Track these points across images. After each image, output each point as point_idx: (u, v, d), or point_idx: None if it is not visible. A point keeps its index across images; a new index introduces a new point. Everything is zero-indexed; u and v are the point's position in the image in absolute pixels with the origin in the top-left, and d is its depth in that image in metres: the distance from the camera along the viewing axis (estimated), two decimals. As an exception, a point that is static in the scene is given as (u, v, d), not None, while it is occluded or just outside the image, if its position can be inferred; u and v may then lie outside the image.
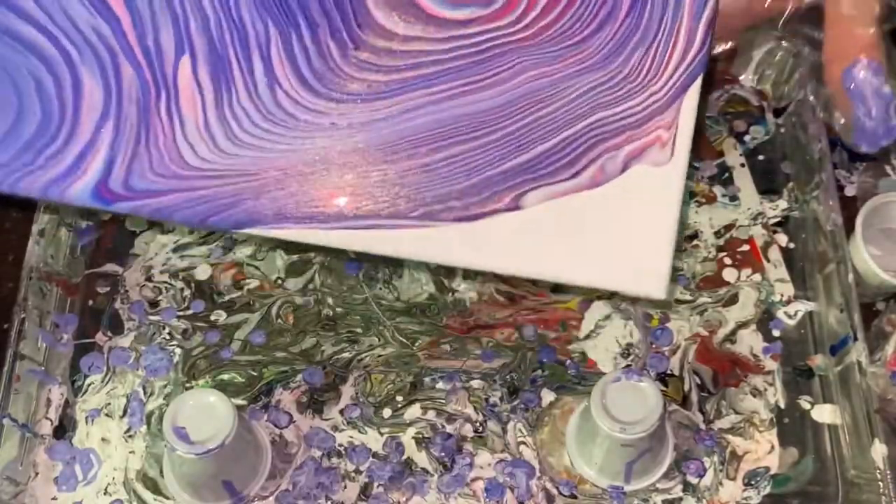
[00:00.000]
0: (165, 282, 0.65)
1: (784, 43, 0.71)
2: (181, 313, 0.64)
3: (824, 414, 0.60)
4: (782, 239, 0.67)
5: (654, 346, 0.63)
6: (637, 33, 0.49)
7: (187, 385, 0.62)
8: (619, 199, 0.47)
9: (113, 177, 0.49)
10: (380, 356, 0.63)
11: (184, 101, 0.49)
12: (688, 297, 0.65)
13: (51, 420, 0.61)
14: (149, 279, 0.65)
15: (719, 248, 0.67)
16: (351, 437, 0.60)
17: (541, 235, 0.47)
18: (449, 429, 0.60)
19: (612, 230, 0.47)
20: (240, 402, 0.61)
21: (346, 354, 0.63)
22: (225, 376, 0.62)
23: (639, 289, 0.48)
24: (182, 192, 0.50)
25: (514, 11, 0.48)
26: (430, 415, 0.61)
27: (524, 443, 0.60)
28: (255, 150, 0.49)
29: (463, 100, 0.49)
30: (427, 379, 0.62)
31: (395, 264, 0.63)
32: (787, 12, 0.58)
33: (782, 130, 0.71)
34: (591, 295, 0.56)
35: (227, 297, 0.65)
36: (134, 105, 0.48)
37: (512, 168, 0.49)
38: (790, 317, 0.64)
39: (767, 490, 0.58)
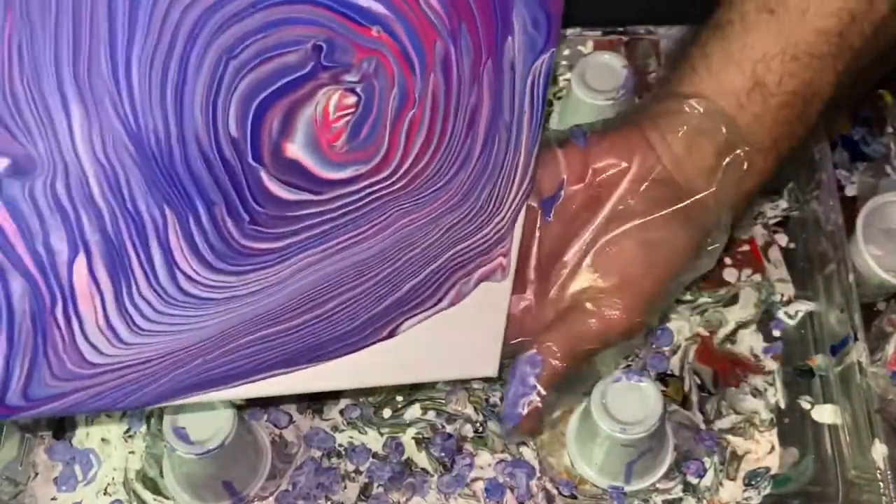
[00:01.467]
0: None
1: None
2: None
3: (825, 414, 0.60)
4: (783, 239, 0.67)
5: (654, 346, 0.63)
6: (487, 170, 0.52)
7: (187, 385, 0.62)
8: (466, 310, 0.54)
9: (10, 393, 0.48)
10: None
11: (81, 302, 0.48)
12: (688, 297, 0.65)
13: (50, 420, 0.61)
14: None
15: (719, 248, 0.67)
16: (351, 437, 0.60)
17: (409, 351, 0.54)
18: (449, 429, 0.60)
19: (460, 334, 0.55)
20: (240, 402, 0.61)
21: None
22: (225, 376, 0.62)
23: (476, 372, 0.56)
24: (86, 389, 0.50)
25: (391, 164, 0.50)
26: (430, 415, 0.61)
27: (524, 443, 0.60)
28: (158, 335, 0.50)
29: (347, 252, 0.51)
30: (427, 379, 0.62)
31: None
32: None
33: (783, 130, 0.71)
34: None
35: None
36: (28, 317, 0.47)
37: (387, 306, 0.53)
38: (790, 317, 0.64)
39: (768, 490, 0.58)
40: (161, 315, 0.49)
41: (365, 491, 0.59)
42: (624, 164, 0.54)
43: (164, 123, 0.45)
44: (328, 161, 0.48)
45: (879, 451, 0.56)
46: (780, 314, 0.64)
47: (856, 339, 0.59)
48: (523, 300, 0.56)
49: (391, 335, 0.54)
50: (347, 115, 0.48)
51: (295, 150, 0.47)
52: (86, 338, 0.49)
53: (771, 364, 0.62)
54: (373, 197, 0.50)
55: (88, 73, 0.43)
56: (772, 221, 0.68)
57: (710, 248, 0.55)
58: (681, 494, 0.58)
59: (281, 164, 0.48)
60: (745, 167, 0.53)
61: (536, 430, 0.58)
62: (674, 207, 0.53)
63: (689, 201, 0.54)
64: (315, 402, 0.61)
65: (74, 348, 0.48)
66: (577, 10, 0.72)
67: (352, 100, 0.48)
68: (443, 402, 0.61)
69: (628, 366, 0.62)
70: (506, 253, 0.54)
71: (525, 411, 0.54)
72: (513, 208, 0.54)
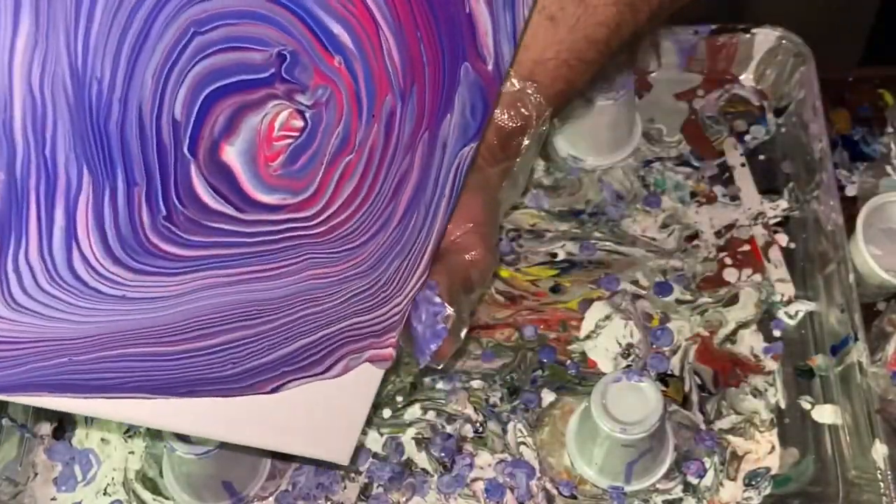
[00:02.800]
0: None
1: (785, 43, 0.71)
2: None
3: (825, 414, 0.60)
4: (783, 239, 0.67)
5: (654, 346, 0.63)
6: (399, 243, 0.52)
7: (187, 385, 0.62)
8: (344, 386, 0.54)
9: None
10: (380, 356, 0.63)
11: None
12: (688, 297, 0.65)
13: (50, 420, 0.61)
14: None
15: (720, 248, 0.67)
16: (351, 437, 0.60)
17: (279, 414, 0.52)
18: (449, 429, 0.60)
19: (331, 410, 0.54)
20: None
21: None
22: (225, 376, 0.62)
23: (330, 456, 0.55)
24: None
25: (316, 204, 0.49)
26: (430, 415, 0.61)
27: (524, 443, 0.60)
28: (31, 315, 0.45)
29: (250, 286, 0.50)
30: (427, 379, 0.62)
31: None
32: None
33: (783, 130, 0.71)
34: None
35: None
36: None
37: (274, 359, 0.52)
38: (791, 317, 0.64)
39: (768, 490, 0.58)
40: (41, 293, 0.45)
41: (365, 491, 0.59)
42: None
43: (112, 76, 0.42)
44: (260, 180, 0.47)
45: (880, 451, 0.56)
46: (781, 314, 0.64)
47: (856, 339, 0.59)
48: None
49: (273, 391, 0.52)
50: (291, 137, 0.47)
51: (232, 154, 0.46)
52: None
53: (771, 364, 0.62)
54: (290, 234, 0.49)
55: None
56: (772, 221, 0.68)
57: (509, 187, 0.58)
58: (681, 494, 0.58)
59: (214, 165, 0.46)
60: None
61: (456, 346, 0.57)
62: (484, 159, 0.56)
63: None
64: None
65: None
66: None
67: (299, 123, 0.47)
68: (443, 402, 0.61)
69: (628, 366, 0.62)
70: (394, 344, 0.54)
71: (447, 326, 0.54)
72: (410, 295, 0.54)
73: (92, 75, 0.42)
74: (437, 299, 0.54)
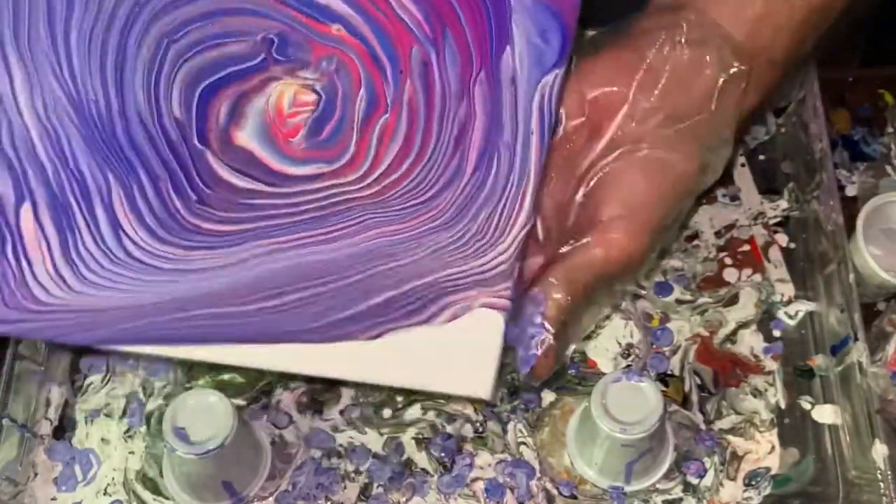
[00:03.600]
0: (165, 282, 0.65)
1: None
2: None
3: (825, 414, 0.60)
4: (783, 239, 0.67)
5: (654, 346, 0.63)
6: (484, 191, 0.50)
7: (187, 385, 0.62)
8: (461, 329, 0.51)
9: None
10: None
11: (29, 246, 0.50)
12: (688, 297, 0.65)
13: (50, 420, 0.61)
14: (148, 279, 0.65)
15: (720, 248, 0.67)
16: (351, 437, 0.60)
17: (392, 355, 0.51)
18: (449, 429, 0.60)
19: (452, 351, 0.51)
20: (240, 402, 0.61)
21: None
22: (225, 376, 0.62)
23: (468, 391, 0.52)
24: (33, 322, 0.51)
25: (360, 168, 0.49)
26: (430, 415, 0.61)
27: (524, 443, 0.60)
28: (105, 289, 0.51)
29: (305, 250, 0.50)
30: (427, 379, 0.62)
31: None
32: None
33: (783, 130, 0.71)
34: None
35: (226, 298, 0.65)
36: None
37: (362, 311, 0.50)
38: (791, 317, 0.64)
39: (768, 490, 0.58)
40: (107, 271, 0.50)
41: (365, 491, 0.59)
42: (622, 90, 0.52)
43: (105, 95, 0.46)
44: (284, 155, 0.48)
45: (880, 451, 0.56)
46: (781, 314, 0.64)
47: (856, 339, 0.59)
48: (536, 259, 0.54)
49: (374, 338, 0.51)
50: (305, 111, 0.48)
51: (245, 138, 0.48)
52: (35, 279, 0.50)
53: (771, 364, 0.62)
54: (339, 199, 0.49)
55: (29, 41, 0.45)
56: (772, 221, 0.68)
57: (712, 165, 0.54)
58: (681, 495, 0.58)
59: (231, 151, 0.48)
60: (743, 86, 0.52)
61: (552, 369, 0.55)
62: (674, 129, 0.51)
63: (688, 122, 0.51)
64: (315, 402, 0.61)
65: (24, 286, 0.50)
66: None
67: (310, 97, 0.47)
68: (443, 402, 0.61)
69: (628, 366, 0.62)
70: (509, 294, 0.51)
71: (538, 351, 0.51)
72: (519, 238, 0.50)
73: (87, 97, 0.47)
74: (538, 319, 0.51)
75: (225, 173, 0.49)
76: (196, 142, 0.48)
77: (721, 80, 0.51)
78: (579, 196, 0.52)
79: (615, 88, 0.52)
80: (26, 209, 0.49)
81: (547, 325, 0.51)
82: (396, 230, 0.50)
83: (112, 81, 0.46)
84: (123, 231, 0.50)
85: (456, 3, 0.47)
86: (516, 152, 0.49)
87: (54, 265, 0.50)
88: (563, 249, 0.52)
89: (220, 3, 0.45)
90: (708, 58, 0.51)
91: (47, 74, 0.46)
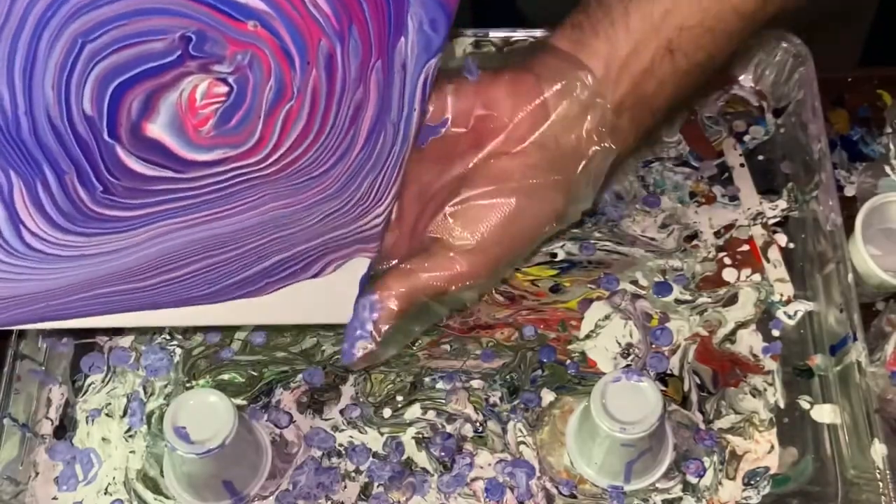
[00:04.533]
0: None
1: (784, 43, 0.71)
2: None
3: (824, 414, 0.60)
4: (782, 239, 0.67)
5: (653, 346, 0.63)
6: (369, 162, 0.53)
7: (188, 385, 0.62)
8: (334, 276, 0.57)
9: None
10: (380, 356, 0.63)
11: None
12: (687, 296, 0.65)
13: (51, 420, 0.61)
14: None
15: (719, 248, 0.67)
16: (351, 437, 0.60)
17: (281, 300, 0.57)
18: (449, 429, 0.60)
19: (325, 291, 0.58)
20: (240, 402, 0.61)
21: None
22: (225, 376, 0.62)
23: (333, 319, 0.59)
24: None
25: (262, 150, 0.50)
26: (430, 415, 0.61)
27: (524, 443, 0.60)
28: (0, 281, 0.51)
29: (207, 226, 0.52)
30: (427, 379, 0.62)
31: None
32: None
33: (782, 130, 0.71)
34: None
35: (227, 298, 0.65)
36: None
37: (251, 274, 0.55)
38: (790, 317, 0.64)
39: (767, 490, 0.58)
40: (4, 264, 0.50)
41: (365, 491, 0.59)
42: (507, 117, 0.55)
43: (11, 96, 0.45)
44: (193, 144, 0.49)
45: (879, 450, 0.56)
46: (780, 314, 0.64)
47: (855, 338, 0.59)
48: (392, 232, 0.58)
49: (258, 295, 0.56)
50: (217, 102, 0.48)
51: (157, 130, 0.47)
52: None
53: (770, 364, 0.63)
54: (240, 179, 0.51)
55: None
56: (771, 221, 0.68)
57: (568, 216, 0.58)
58: (680, 494, 0.58)
59: (140, 143, 0.48)
60: (608, 162, 0.56)
61: (366, 366, 0.60)
62: (541, 180, 0.55)
63: (555, 178, 0.55)
64: (315, 401, 0.61)
65: None
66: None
67: (222, 89, 0.48)
68: (443, 401, 0.61)
69: (628, 366, 0.62)
70: (380, 242, 0.56)
71: (360, 354, 0.57)
72: (390, 202, 0.55)
73: None
74: (369, 326, 0.56)
75: (132, 163, 0.48)
76: (106, 136, 0.47)
77: (593, 149, 0.55)
78: (440, 194, 0.56)
79: (503, 114, 0.55)
80: None
81: (374, 333, 0.56)
82: (290, 203, 0.53)
83: (19, 82, 0.45)
84: (23, 225, 0.49)
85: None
86: (399, 128, 0.53)
87: None
88: (406, 265, 0.56)
89: (139, 3, 0.44)
90: (588, 123, 0.55)
91: None
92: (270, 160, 0.50)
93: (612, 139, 0.55)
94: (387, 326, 0.57)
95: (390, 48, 0.50)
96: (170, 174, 0.49)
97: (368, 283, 0.58)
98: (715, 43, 0.54)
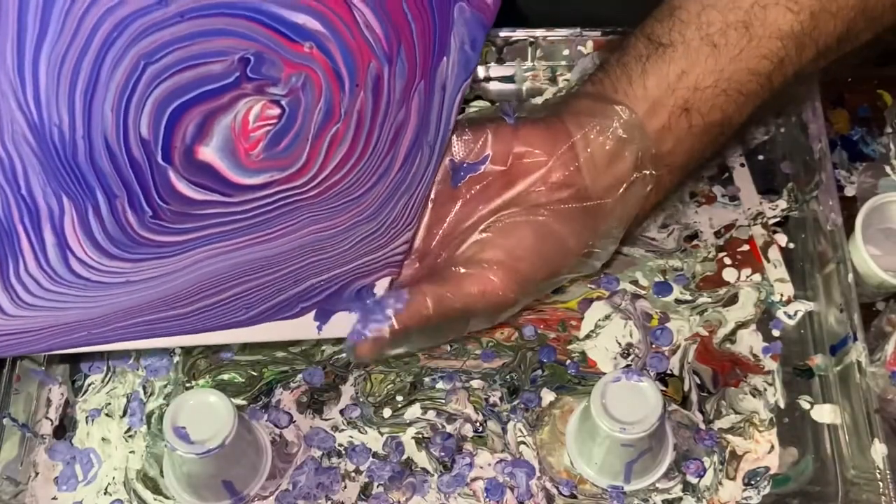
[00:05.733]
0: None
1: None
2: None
3: (824, 414, 0.60)
4: (782, 239, 0.67)
5: (653, 346, 0.63)
6: (405, 183, 0.53)
7: (187, 385, 0.62)
8: None
9: None
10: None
11: None
12: (687, 296, 0.65)
13: (51, 420, 0.61)
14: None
15: (719, 248, 0.67)
16: (351, 437, 0.60)
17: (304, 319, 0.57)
18: (449, 429, 0.60)
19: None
20: (240, 402, 0.61)
21: (346, 354, 0.63)
22: (225, 376, 0.62)
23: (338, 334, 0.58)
24: None
25: (308, 173, 0.50)
26: (430, 415, 0.61)
27: (524, 443, 0.60)
28: (43, 310, 0.50)
29: (249, 250, 0.52)
30: (427, 379, 0.62)
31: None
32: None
33: (782, 130, 0.71)
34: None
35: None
36: None
37: (288, 297, 0.55)
38: (790, 317, 0.64)
39: (767, 490, 0.58)
40: (47, 292, 0.49)
41: (365, 490, 0.59)
42: (543, 158, 0.56)
43: (71, 119, 0.44)
44: (243, 167, 0.48)
45: (879, 450, 0.56)
46: (780, 314, 0.64)
47: (855, 338, 0.59)
48: (412, 265, 0.58)
49: (293, 317, 0.56)
50: (269, 125, 0.48)
51: (209, 154, 0.47)
52: None
53: (770, 364, 0.63)
54: (284, 202, 0.50)
55: None
56: (771, 221, 0.68)
57: (596, 253, 0.58)
58: (680, 494, 0.58)
59: (192, 167, 0.47)
60: (648, 189, 0.56)
61: (370, 359, 0.59)
62: (575, 205, 0.56)
63: (589, 204, 0.56)
64: (315, 401, 0.61)
65: None
66: (577, 11, 0.72)
67: (275, 111, 0.47)
68: (443, 401, 0.61)
69: (628, 366, 0.62)
70: (401, 266, 0.56)
71: (370, 335, 0.55)
72: (418, 225, 0.55)
73: (50, 123, 0.44)
74: (390, 312, 0.55)
75: (183, 187, 0.48)
76: (160, 159, 0.47)
77: (633, 177, 0.56)
78: (475, 236, 0.56)
79: (539, 154, 0.56)
80: None
81: (395, 322, 0.55)
82: (328, 226, 0.53)
83: (80, 105, 0.44)
84: (71, 251, 0.48)
85: (412, 19, 0.49)
86: (434, 149, 0.53)
87: None
88: (438, 273, 0.56)
89: (201, 25, 0.44)
90: (627, 153, 0.55)
91: (8, 100, 0.43)
92: (314, 182, 0.50)
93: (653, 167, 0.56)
94: (409, 324, 0.55)
95: (433, 69, 0.50)
96: (218, 198, 0.49)
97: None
98: (730, 103, 0.54)
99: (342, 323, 0.57)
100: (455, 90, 0.51)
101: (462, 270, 0.55)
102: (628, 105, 0.55)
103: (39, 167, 0.45)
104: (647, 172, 0.55)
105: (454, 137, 0.56)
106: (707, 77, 0.54)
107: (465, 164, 0.56)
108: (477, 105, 0.72)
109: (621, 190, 0.56)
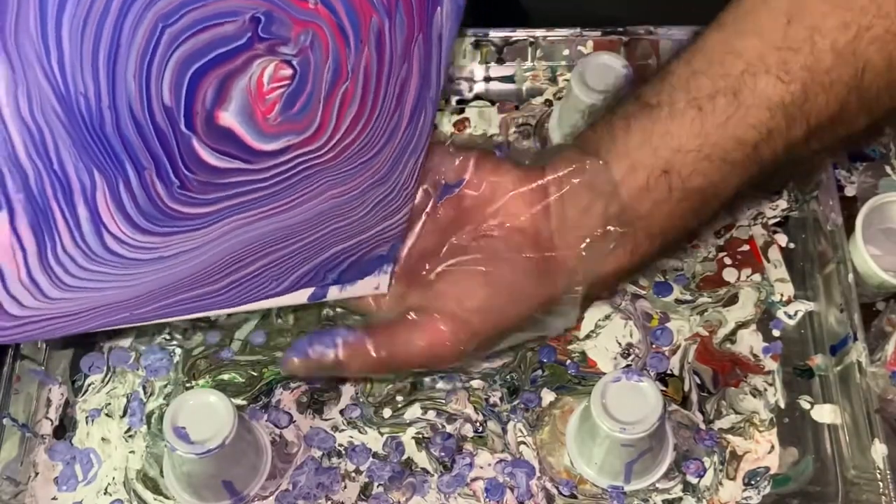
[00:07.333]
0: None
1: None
2: (181, 313, 0.64)
3: (824, 414, 0.60)
4: (782, 239, 0.67)
5: (654, 346, 0.63)
6: (412, 142, 0.53)
7: (187, 385, 0.62)
8: None
9: None
10: (380, 356, 0.63)
11: (3, 257, 0.47)
12: (688, 296, 0.65)
13: (51, 420, 0.61)
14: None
15: (719, 248, 0.67)
16: (351, 437, 0.60)
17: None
18: (449, 429, 0.60)
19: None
20: (240, 402, 0.61)
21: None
22: (225, 376, 0.62)
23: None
24: (10, 335, 0.51)
25: (322, 136, 0.50)
26: (430, 415, 0.61)
27: (524, 443, 0.60)
28: (82, 291, 0.50)
29: (273, 219, 0.52)
30: (427, 379, 0.62)
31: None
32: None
33: (782, 130, 0.71)
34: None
35: (227, 297, 0.65)
36: None
37: (315, 265, 0.55)
38: (790, 317, 0.64)
39: (767, 490, 0.58)
40: (85, 271, 0.49)
41: (365, 491, 0.59)
42: (510, 187, 0.56)
43: (96, 88, 0.44)
44: (262, 132, 0.48)
45: (879, 450, 0.56)
46: (780, 314, 0.64)
47: (855, 338, 0.59)
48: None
49: (320, 287, 0.56)
50: (282, 86, 0.48)
51: (229, 119, 0.47)
52: (7, 291, 0.48)
53: (770, 364, 0.63)
54: (303, 167, 0.51)
55: (15, 32, 0.41)
56: (771, 221, 0.68)
57: (557, 310, 0.57)
58: (680, 494, 0.58)
59: (214, 133, 0.47)
60: (611, 245, 0.55)
61: (299, 374, 0.59)
62: (533, 255, 0.55)
63: (549, 255, 0.55)
64: (315, 401, 0.61)
65: None
66: (577, 11, 0.72)
67: (287, 72, 0.47)
68: (443, 401, 0.61)
69: (628, 366, 0.62)
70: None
71: (311, 354, 0.55)
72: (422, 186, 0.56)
73: (76, 92, 0.44)
74: (339, 340, 0.55)
75: (206, 155, 0.48)
76: (183, 127, 0.46)
77: (598, 231, 0.55)
78: (433, 274, 0.56)
79: (509, 183, 0.56)
80: (2, 218, 0.46)
81: (340, 352, 0.55)
82: (344, 190, 0.53)
83: (104, 73, 0.44)
84: (105, 227, 0.48)
85: None
86: (435, 105, 0.53)
87: (29, 274, 0.48)
88: (393, 325, 0.56)
89: None
90: (597, 208, 0.54)
91: (34, 70, 0.43)
92: (329, 145, 0.50)
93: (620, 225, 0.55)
94: (352, 364, 0.55)
95: (429, 21, 0.50)
96: (240, 165, 0.49)
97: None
98: (714, 170, 0.53)
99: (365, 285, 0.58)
100: (450, 40, 0.51)
101: (413, 317, 0.55)
102: (608, 161, 0.54)
103: (69, 141, 0.45)
104: (612, 229, 0.54)
105: (438, 153, 0.56)
106: (691, 140, 0.53)
107: (443, 186, 0.57)
108: (477, 105, 0.72)
109: (583, 245, 0.55)
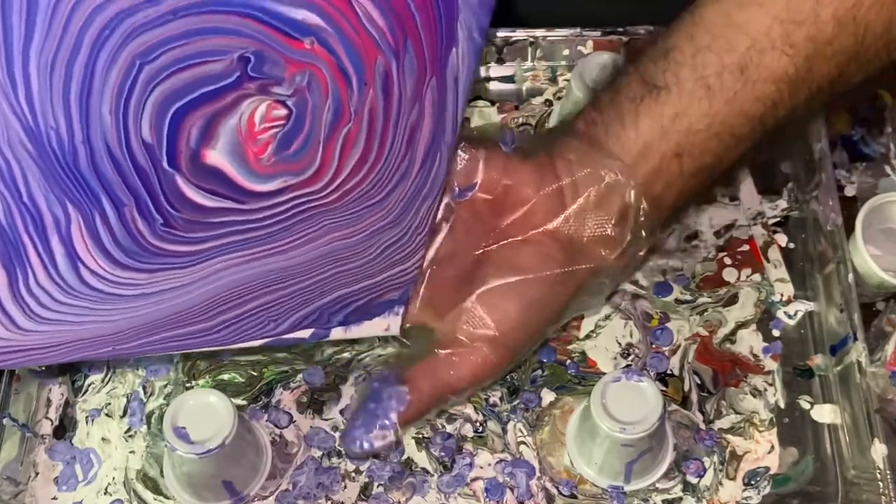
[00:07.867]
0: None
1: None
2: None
3: (824, 414, 0.60)
4: (782, 239, 0.67)
5: (654, 346, 0.63)
6: (426, 186, 0.52)
7: (187, 385, 0.62)
8: None
9: None
10: (380, 356, 0.63)
11: None
12: (688, 297, 0.65)
13: (51, 420, 0.61)
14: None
15: (719, 248, 0.67)
16: (351, 436, 0.60)
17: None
18: (449, 429, 0.60)
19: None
20: (240, 402, 0.61)
21: (345, 354, 0.63)
22: (225, 376, 0.62)
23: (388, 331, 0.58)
24: None
25: (323, 178, 0.49)
26: (430, 414, 0.61)
27: (524, 443, 0.60)
28: (59, 324, 0.49)
29: (268, 260, 0.50)
30: (427, 379, 0.62)
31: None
32: None
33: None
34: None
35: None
36: None
37: (317, 307, 0.54)
38: (790, 317, 0.64)
39: (767, 490, 0.58)
40: (62, 305, 0.48)
41: (365, 491, 0.59)
42: (530, 192, 0.56)
43: (68, 123, 0.43)
44: (254, 172, 0.47)
45: (879, 450, 0.56)
46: (780, 314, 0.64)
47: (855, 338, 0.59)
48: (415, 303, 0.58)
49: (322, 329, 0.55)
50: (276, 127, 0.46)
51: (217, 157, 0.46)
52: None
53: (770, 364, 0.63)
54: (301, 209, 0.49)
55: None
56: (771, 221, 0.68)
57: (588, 298, 0.58)
58: (680, 494, 0.58)
59: (200, 172, 0.46)
60: (642, 253, 0.57)
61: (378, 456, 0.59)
62: (562, 270, 0.55)
63: (577, 268, 0.56)
64: (315, 401, 0.61)
65: None
66: (578, 10, 0.72)
67: (282, 112, 0.46)
68: (443, 401, 0.61)
69: (628, 366, 0.62)
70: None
71: (378, 445, 0.56)
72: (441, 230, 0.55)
73: (47, 126, 0.43)
74: (394, 417, 0.55)
75: (192, 194, 0.47)
76: (166, 165, 0.45)
77: (627, 239, 0.56)
78: (470, 300, 0.56)
79: (526, 190, 0.56)
80: None
81: (398, 427, 0.56)
82: (352, 232, 0.51)
83: (76, 109, 0.42)
84: (82, 262, 0.47)
85: (415, 10, 0.47)
86: (451, 148, 0.52)
87: (1, 307, 0.47)
88: (433, 359, 0.56)
89: (197, 23, 0.42)
90: (617, 206, 0.55)
91: (1, 104, 0.42)
92: (331, 187, 0.49)
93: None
94: (410, 420, 0.56)
95: (443, 62, 0.49)
96: (231, 205, 0.47)
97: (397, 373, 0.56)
98: (722, 146, 0.54)
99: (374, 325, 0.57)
100: (468, 82, 0.50)
101: (455, 352, 0.55)
102: (619, 154, 0.54)
103: (39, 173, 0.44)
104: (643, 233, 0.56)
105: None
106: (700, 120, 0.53)
107: (454, 191, 0.56)
108: (477, 105, 0.72)
109: (619, 250, 0.56)
